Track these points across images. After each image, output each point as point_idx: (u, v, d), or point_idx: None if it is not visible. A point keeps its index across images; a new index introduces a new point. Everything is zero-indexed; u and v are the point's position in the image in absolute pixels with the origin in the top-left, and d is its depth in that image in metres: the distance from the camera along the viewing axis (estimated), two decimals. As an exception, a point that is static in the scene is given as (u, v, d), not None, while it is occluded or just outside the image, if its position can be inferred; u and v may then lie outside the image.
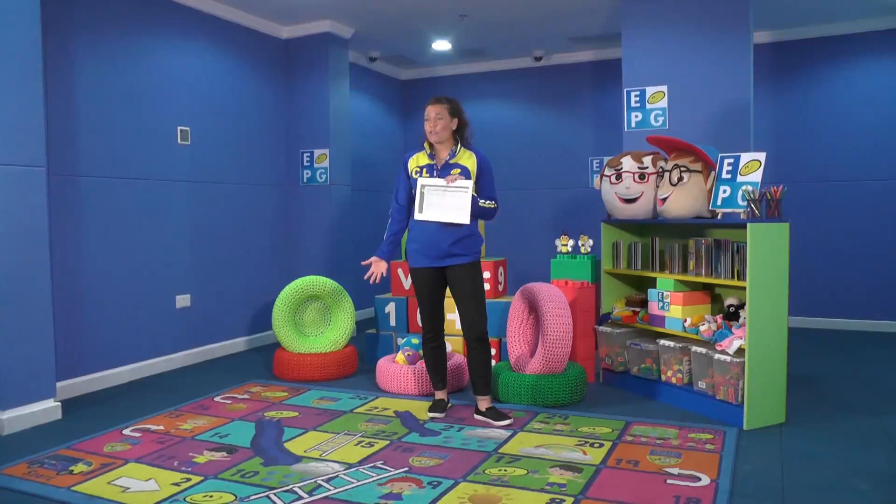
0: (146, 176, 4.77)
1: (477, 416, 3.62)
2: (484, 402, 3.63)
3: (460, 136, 3.63)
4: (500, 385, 3.95)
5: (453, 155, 3.58)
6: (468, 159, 3.58)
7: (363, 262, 3.80)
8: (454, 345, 4.62)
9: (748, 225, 3.34)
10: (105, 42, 4.48)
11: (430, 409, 3.70)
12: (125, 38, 4.62)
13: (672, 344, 3.85)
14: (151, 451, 3.21)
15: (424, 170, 3.58)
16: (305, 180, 6.06)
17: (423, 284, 3.63)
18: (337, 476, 2.86)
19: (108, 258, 4.50)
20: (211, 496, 2.68)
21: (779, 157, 6.15)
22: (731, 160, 3.60)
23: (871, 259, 5.99)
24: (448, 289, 3.68)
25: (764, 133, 6.22)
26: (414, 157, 3.67)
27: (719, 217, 3.65)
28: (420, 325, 3.79)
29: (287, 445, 3.25)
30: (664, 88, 4.90)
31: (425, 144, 3.66)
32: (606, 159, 5.64)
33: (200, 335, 5.24)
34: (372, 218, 7.28)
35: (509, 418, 3.54)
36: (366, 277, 3.67)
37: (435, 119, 3.54)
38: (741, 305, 3.71)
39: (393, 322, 4.94)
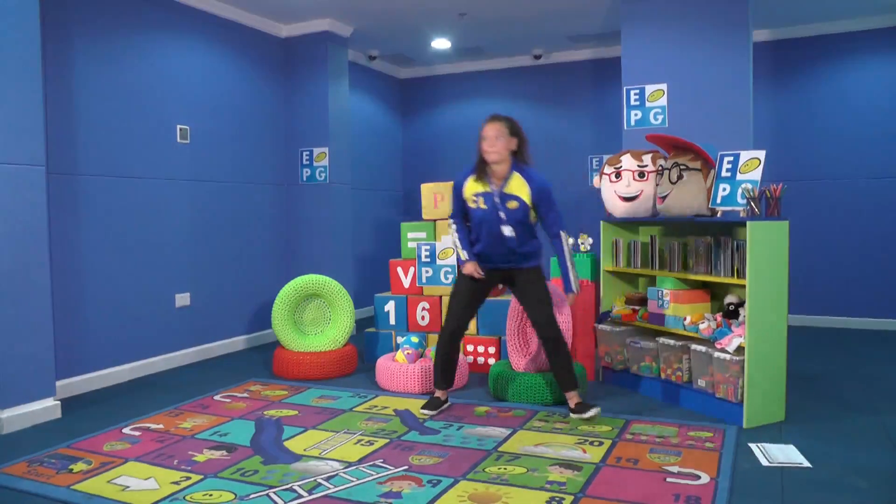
0: (145, 175, 4.76)
1: (572, 415, 3.54)
2: (573, 399, 3.57)
3: (519, 156, 3.52)
4: (500, 383, 3.95)
5: (506, 183, 3.48)
6: (521, 188, 3.47)
7: (466, 273, 3.64)
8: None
9: (748, 223, 3.33)
10: (104, 41, 4.48)
11: (423, 406, 3.69)
12: (124, 36, 4.61)
13: (672, 342, 3.85)
14: (151, 449, 3.21)
15: (482, 199, 3.50)
16: (305, 179, 6.06)
17: (471, 284, 3.61)
18: (336, 474, 2.86)
19: (107, 257, 4.49)
20: (211, 495, 2.68)
21: (778, 155, 6.15)
22: (731, 158, 3.60)
23: (870, 257, 5.99)
24: (513, 292, 3.69)
25: (763, 131, 6.21)
26: (469, 181, 3.57)
27: (719, 215, 3.65)
28: (445, 322, 3.70)
29: (287, 444, 3.25)
30: (663, 87, 4.89)
31: (481, 167, 3.52)
32: (606, 157, 5.62)
33: (200, 334, 5.24)
34: (371, 216, 7.28)
35: (593, 409, 3.49)
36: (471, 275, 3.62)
37: (494, 139, 3.42)
38: (741, 303, 3.70)
39: (392, 321, 4.94)
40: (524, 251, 3.56)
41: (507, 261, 3.59)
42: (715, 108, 4.74)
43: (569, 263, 3.55)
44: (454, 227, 3.65)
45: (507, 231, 3.49)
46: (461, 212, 3.64)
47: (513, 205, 3.46)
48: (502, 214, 3.48)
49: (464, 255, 3.60)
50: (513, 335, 4.18)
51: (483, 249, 3.58)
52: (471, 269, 3.58)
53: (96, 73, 4.42)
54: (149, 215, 4.79)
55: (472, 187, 3.56)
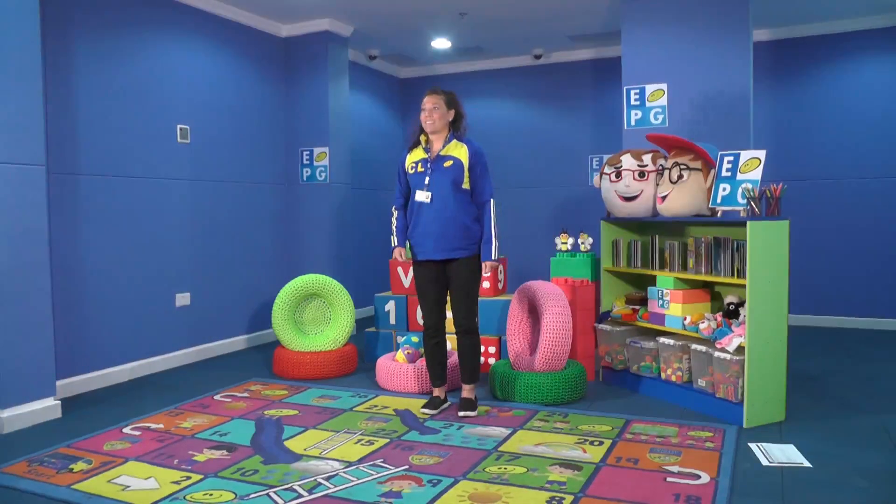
0: (146, 174, 4.76)
1: (461, 412, 3.65)
2: (467, 391, 3.73)
3: (455, 127, 3.69)
4: (500, 383, 3.95)
5: (443, 148, 3.64)
6: (459, 150, 3.62)
7: (395, 260, 4.10)
8: (454, 342, 4.61)
9: (748, 223, 3.33)
10: (104, 40, 4.48)
11: (424, 406, 3.72)
12: (125, 36, 4.61)
13: (672, 342, 3.85)
14: (151, 449, 3.21)
15: (419, 164, 3.65)
16: (305, 178, 6.06)
17: (427, 278, 3.67)
18: (337, 474, 2.86)
19: (107, 256, 4.49)
20: (211, 494, 2.68)
21: (778, 155, 6.15)
22: (731, 158, 3.60)
23: (871, 257, 5.99)
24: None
25: (763, 131, 6.21)
26: (410, 154, 3.73)
27: (719, 215, 3.65)
28: (421, 321, 3.81)
29: (287, 444, 3.25)
30: (664, 86, 4.89)
31: (421, 137, 3.70)
32: (606, 157, 5.63)
33: (200, 333, 5.24)
34: (371, 216, 7.28)
35: (471, 413, 3.61)
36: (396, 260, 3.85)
37: (431, 110, 3.61)
38: (741, 303, 3.71)
39: (393, 320, 4.94)
40: (459, 235, 3.57)
41: (444, 249, 3.58)
42: (715, 108, 4.75)
43: (492, 232, 3.64)
44: (395, 214, 3.79)
45: (423, 196, 3.59)
46: (404, 196, 3.76)
47: (448, 163, 3.59)
48: (427, 179, 3.59)
49: (394, 241, 3.78)
50: (513, 334, 4.18)
51: (421, 230, 3.62)
52: (395, 254, 3.81)
53: (96, 72, 4.42)
54: (149, 215, 4.79)
55: (412, 157, 3.73)
